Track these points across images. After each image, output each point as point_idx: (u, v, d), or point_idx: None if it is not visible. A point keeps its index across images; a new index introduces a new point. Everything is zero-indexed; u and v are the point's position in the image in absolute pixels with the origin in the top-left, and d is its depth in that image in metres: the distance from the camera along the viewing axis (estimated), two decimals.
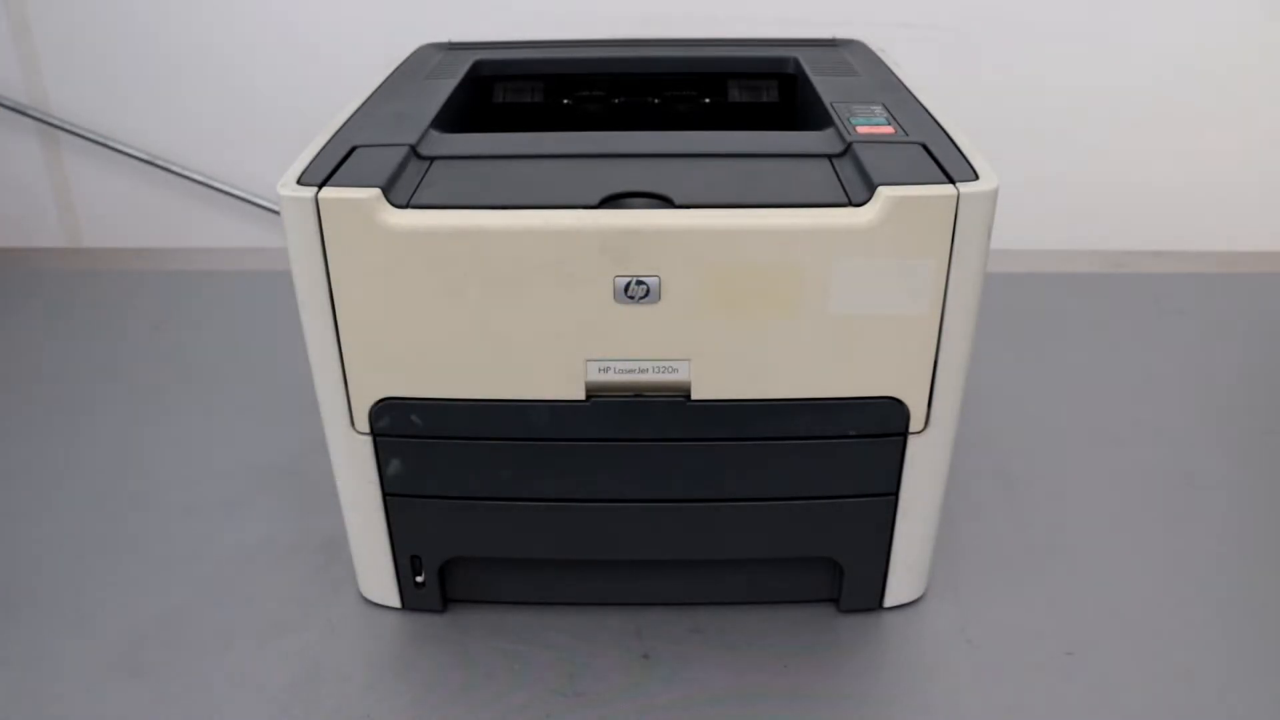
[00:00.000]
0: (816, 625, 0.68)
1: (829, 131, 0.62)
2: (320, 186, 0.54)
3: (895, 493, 0.63)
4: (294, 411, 0.90)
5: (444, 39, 0.86)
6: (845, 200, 0.54)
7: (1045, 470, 0.84)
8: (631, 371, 0.58)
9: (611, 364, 0.58)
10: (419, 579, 0.68)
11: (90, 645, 0.67)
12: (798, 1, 1.19)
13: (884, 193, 0.53)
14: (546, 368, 0.58)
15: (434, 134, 0.62)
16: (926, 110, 0.65)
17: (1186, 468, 0.85)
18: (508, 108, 0.80)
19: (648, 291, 0.55)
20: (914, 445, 0.61)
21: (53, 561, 0.75)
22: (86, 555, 0.75)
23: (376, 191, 0.54)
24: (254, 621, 0.69)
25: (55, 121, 1.28)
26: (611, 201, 0.55)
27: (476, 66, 0.78)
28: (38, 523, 0.79)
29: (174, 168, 1.30)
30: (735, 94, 0.80)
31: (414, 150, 0.59)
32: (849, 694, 0.63)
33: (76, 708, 0.62)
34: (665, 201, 0.55)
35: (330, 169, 0.56)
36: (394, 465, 0.62)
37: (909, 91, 0.69)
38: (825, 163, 0.58)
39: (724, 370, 0.58)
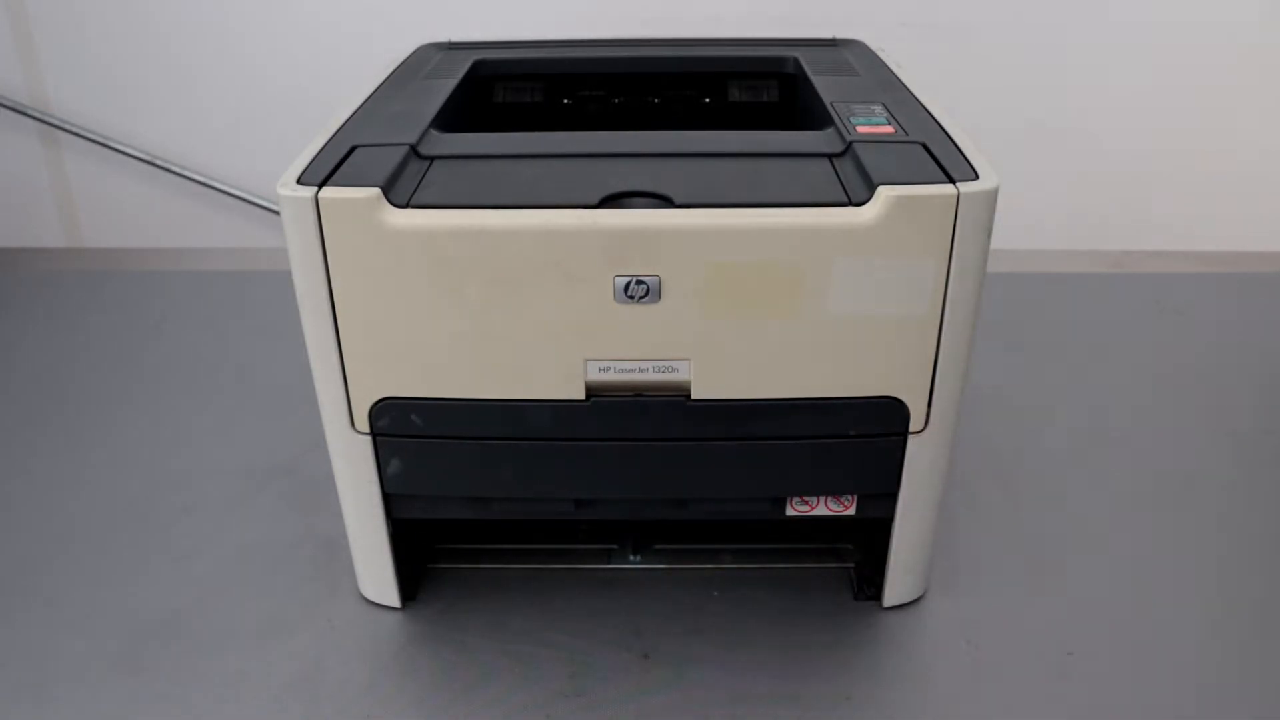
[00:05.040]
0: (816, 625, 0.68)
1: (829, 131, 0.62)
2: (320, 186, 0.54)
3: (895, 493, 0.63)
4: (294, 411, 0.90)
5: (444, 39, 0.86)
6: (845, 200, 0.54)
7: (1045, 470, 0.84)
8: (631, 371, 0.58)
9: (611, 364, 0.58)
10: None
11: (90, 645, 0.67)
12: (798, 1, 1.19)
13: (884, 192, 0.53)
14: (546, 368, 0.58)
15: (434, 134, 0.62)
16: (926, 110, 0.65)
17: (1186, 468, 0.85)
18: (508, 107, 0.80)
19: (648, 291, 0.55)
20: (914, 445, 0.61)
21: (52, 561, 0.75)
22: (86, 555, 0.75)
23: (376, 191, 0.54)
24: (254, 621, 0.69)
25: (55, 121, 1.28)
26: (611, 201, 0.55)
27: (476, 66, 0.78)
28: (37, 522, 0.79)
29: (174, 168, 1.30)
30: (735, 94, 0.80)
31: (414, 150, 0.59)
32: (849, 694, 0.63)
33: (76, 707, 0.62)
34: (665, 201, 0.55)
35: (330, 169, 0.56)
36: (394, 465, 0.62)
37: (909, 91, 0.69)
38: (825, 162, 0.58)
39: (724, 370, 0.58)
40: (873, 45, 0.83)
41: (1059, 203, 1.30)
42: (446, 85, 0.71)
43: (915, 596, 0.70)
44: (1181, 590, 0.71)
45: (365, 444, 0.61)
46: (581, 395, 0.59)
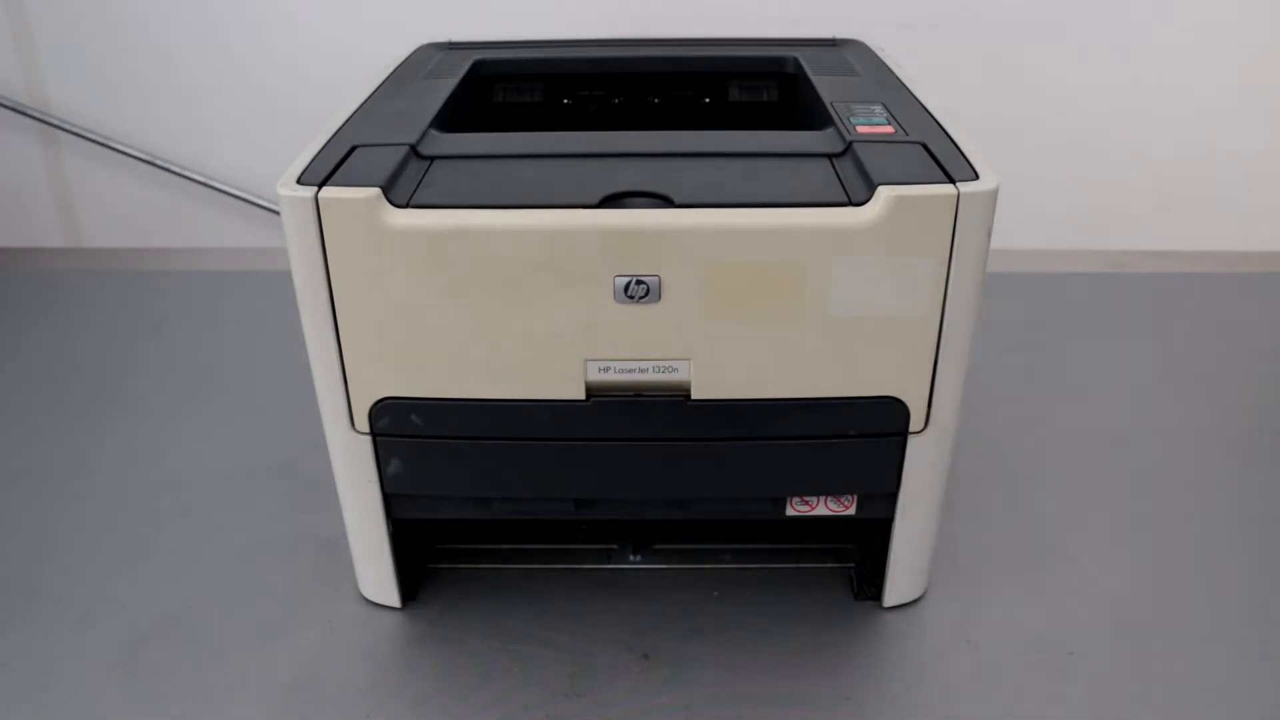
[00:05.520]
0: (816, 625, 0.68)
1: (829, 131, 0.62)
2: (320, 186, 0.54)
3: (895, 493, 0.63)
4: (294, 411, 0.90)
5: (444, 39, 0.86)
6: (845, 200, 0.54)
7: (1045, 470, 0.84)
8: (631, 371, 0.58)
9: (611, 364, 0.58)
10: None
11: (90, 645, 0.67)
12: (798, 1, 1.19)
13: (884, 192, 0.53)
14: (546, 368, 0.58)
15: (434, 133, 0.62)
16: (926, 110, 0.65)
17: (1187, 468, 0.85)
18: (508, 107, 0.80)
19: (648, 291, 0.55)
20: (914, 445, 0.61)
21: (53, 561, 0.74)
22: (86, 555, 0.75)
23: (376, 191, 0.54)
24: (254, 621, 0.69)
25: (55, 121, 1.28)
26: (611, 201, 0.55)
27: (476, 66, 0.78)
28: (37, 523, 0.79)
29: (174, 168, 1.30)
30: (735, 94, 0.80)
31: (414, 150, 0.59)
32: (849, 694, 0.63)
33: (76, 708, 0.62)
34: (665, 201, 0.55)
35: (330, 169, 0.56)
36: (394, 465, 0.62)
37: (909, 91, 0.69)
38: (825, 162, 0.58)
39: (724, 370, 0.58)
40: (873, 45, 0.83)
41: (1059, 203, 1.30)
42: (447, 85, 0.71)
43: (915, 596, 0.70)
44: (1182, 590, 0.71)
45: (365, 444, 0.61)
46: (581, 395, 0.59)
